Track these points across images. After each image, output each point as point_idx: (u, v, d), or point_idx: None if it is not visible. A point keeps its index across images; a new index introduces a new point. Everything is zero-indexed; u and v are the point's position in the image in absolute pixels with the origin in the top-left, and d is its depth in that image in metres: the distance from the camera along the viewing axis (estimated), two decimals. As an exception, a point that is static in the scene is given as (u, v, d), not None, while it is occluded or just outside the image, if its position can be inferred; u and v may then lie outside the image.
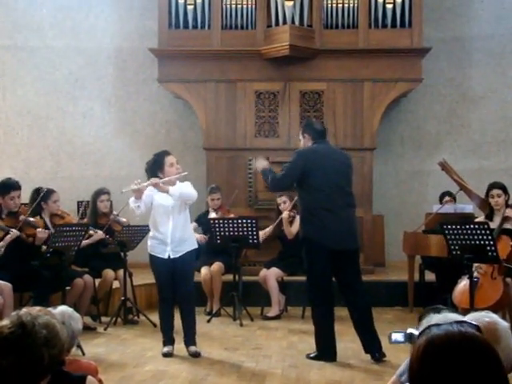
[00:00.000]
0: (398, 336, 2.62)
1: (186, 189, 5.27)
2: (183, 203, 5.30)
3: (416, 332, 2.63)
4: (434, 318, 2.62)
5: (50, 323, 1.91)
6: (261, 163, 5.49)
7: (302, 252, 5.25)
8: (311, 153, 5.24)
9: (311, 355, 5.21)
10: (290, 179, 5.28)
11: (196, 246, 5.47)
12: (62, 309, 2.99)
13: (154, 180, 5.18)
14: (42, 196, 5.99)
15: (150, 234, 5.42)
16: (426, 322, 2.65)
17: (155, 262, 5.34)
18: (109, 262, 6.66)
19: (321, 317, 5.14)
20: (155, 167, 5.28)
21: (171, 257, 5.28)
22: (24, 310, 1.93)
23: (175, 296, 5.34)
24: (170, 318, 5.40)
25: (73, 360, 2.82)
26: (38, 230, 5.81)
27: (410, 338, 2.57)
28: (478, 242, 5.16)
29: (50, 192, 6.20)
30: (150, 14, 8.80)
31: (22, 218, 5.74)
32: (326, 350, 5.13)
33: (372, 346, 5.09)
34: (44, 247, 5.78)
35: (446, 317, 2.59)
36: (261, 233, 6.99)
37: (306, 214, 5.18)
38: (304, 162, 5.16)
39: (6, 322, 1.88)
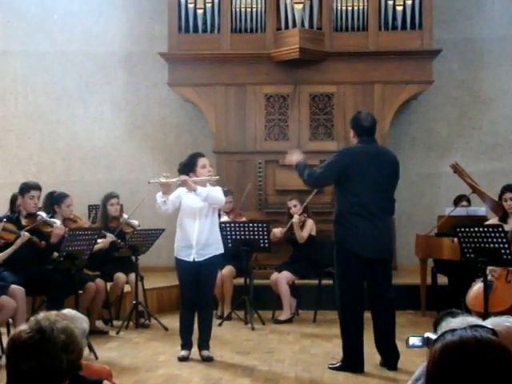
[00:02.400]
0: (415, 340, 2.59)
1: (215, 192, 5.26)
2: (211, 207, 5.29)
3: (433, 336, 2.60)
4: (452, 322, 2.60)
5: (69, 328, 1.90)
6: (295, 157, 5.21)
7: (334, 256, 5.04)
8: (354, 154, 4.93)
9: (335, 365, 5.00)
10: (328, 179, 5.09)
11: (222, 251, 5.39)
12: (65, 312, 3.01)
13: (183, 177, 5.18)
14: (54, 199, 6.00)
15: (177, 235, 5.38)
16: (445, 325, 2.62)
17: (180, 265, 5.33)
18: (120, 265, 6.67)
19: (348, 323, 4.93)
20: (188, 168, 5.30)
21: (196, 260, 5.25)
22: (42, 314, 1.92)
23: (197, 300, 5.30)
24: (191, 322, 5.36)
25: (86, 364, 2.82)
26: (55, 225, 5.80)
27: (427, 342, 2.54)
28: (492, 245, 5.10)
29: (63, 196, 6.21)
30: (159, 19, 8.82)
31: (39, 218, 5.74)
32: (352, 359, 4.90)
33: (390, 359, 4.96)
34: (56, 254, 5.77)
35: (464, 320, 2.57)
36: (275, 231, 6.97)
37: (340, 217, 4.94)
38: (344, 163, 4.87)
39: (24, 326, 1.88)
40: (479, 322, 2.49)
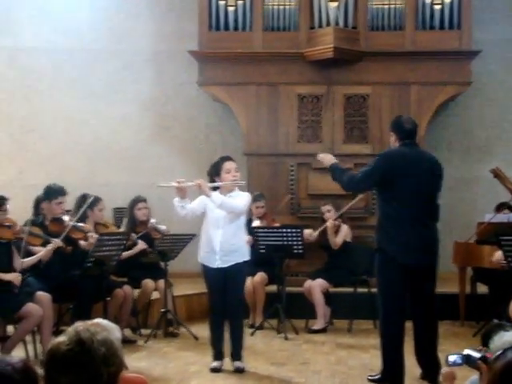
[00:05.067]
0: (455, 358, 2.54)
1: (230, 200, 5.07)
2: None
3: (474, 353, 2.47)
4: (505, 336, 2.48)
5: (109, 340, 1.81)
6: (327, 159, 5.02)
7: (375, 264, 4.82)
8: (396, 157, 4.75)
9: (374, 377, 4.83)
10: (368, 184, 4.94)
11: (248, 258, 5.25)
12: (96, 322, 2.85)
13: (198, 180, 5.05)
14: (89, 203, 5.82)
15: (201, 241, 5.27)
16: (498, 339, 2.48)
17: (206, 272, 5.21)
18: (148, 271, 6.46)
19: (389, 334, 4.72)
20: (213, 171, 5.19)
21: (220, 266, 5.11)
22: (81, 325, 1.82)
23: (226, 308, 5.15)
24: (221, 330, 5.20)
25: (122, 375, 2.66)
26: (89, 234, 5.63)
27: (467, 359, 2.49)
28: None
29: (97, 200, 6.05)
30: (188, 16, 8.59)
31: (67, 223, 5.58)
32: (392, 371, 4.69)
33: (431, 371, 4.72)
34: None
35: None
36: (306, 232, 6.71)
37: (383, 223, 4.74)
38: (386, 167, 4.68)
39: (63, 338, 1.78)
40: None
